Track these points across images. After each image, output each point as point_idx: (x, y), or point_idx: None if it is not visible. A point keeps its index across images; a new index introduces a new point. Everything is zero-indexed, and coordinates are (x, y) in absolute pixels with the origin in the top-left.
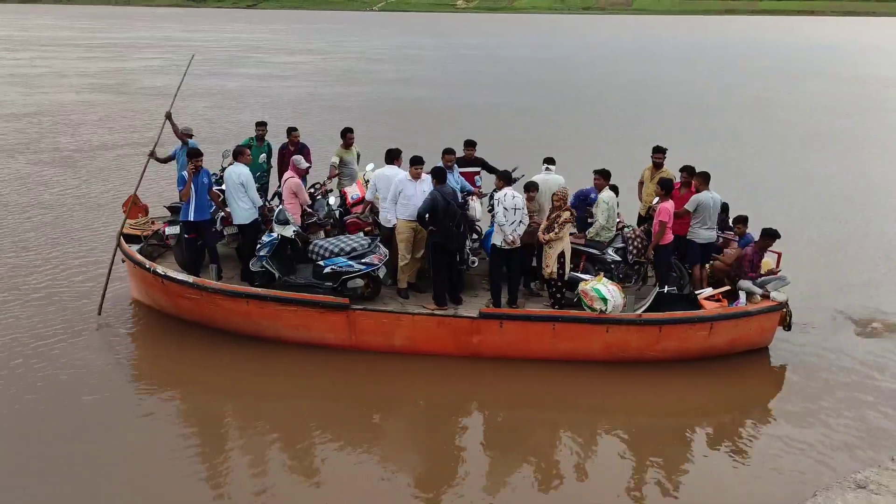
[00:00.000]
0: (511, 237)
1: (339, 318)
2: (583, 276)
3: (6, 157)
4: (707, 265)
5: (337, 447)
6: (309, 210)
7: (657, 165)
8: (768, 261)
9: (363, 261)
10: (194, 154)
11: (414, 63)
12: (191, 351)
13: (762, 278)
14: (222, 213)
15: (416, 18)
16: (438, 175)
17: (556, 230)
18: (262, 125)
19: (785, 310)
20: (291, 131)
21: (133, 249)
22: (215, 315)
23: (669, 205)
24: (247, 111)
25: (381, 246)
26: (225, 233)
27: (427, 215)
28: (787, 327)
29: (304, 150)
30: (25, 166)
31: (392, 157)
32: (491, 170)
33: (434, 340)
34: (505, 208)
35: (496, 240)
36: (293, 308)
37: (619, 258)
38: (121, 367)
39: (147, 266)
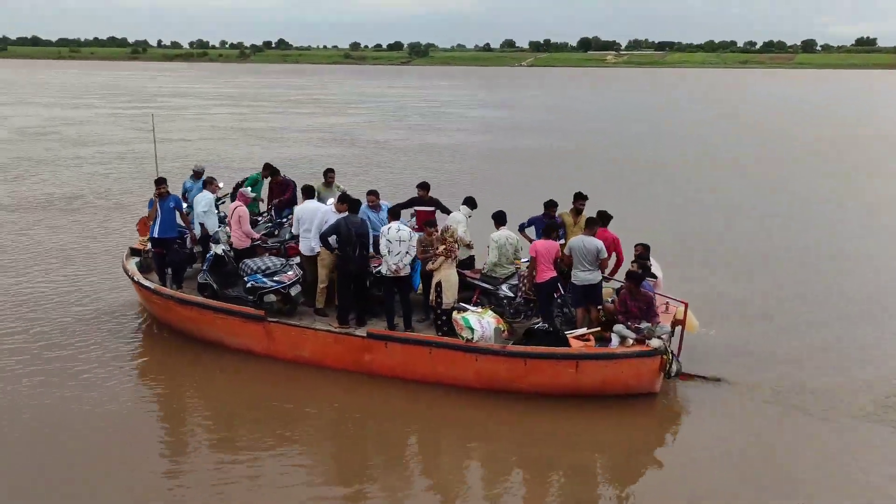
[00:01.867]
0: (394, 266)
1: (257, 328)
2: (468, 306)
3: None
4: (600, 307)
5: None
6: (258, 236)
7: (578, 211)
8: (680, 309)
9: (275, 278)
10: (159, 182)
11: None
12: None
13: (646, 324)
14: (188, 233)
15: (570, 73)
16: (351, 205)
17: (431, 262)
18: (266, 167)
19: (665, 357)
20: (274, 171)
21: (131, 262)
22: (172, 319)
23: (539, 244)
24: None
25: (296, 267)
26: (192, 250)
27: (330, 239)
28: (668, 375)
29: (288, 186)
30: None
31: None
32: (444, 209)
33: (333, 355)
34: (388, 240)
35: (383, 268)
36: (223, 316)
37: (511, 294)
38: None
39: (129, 274)
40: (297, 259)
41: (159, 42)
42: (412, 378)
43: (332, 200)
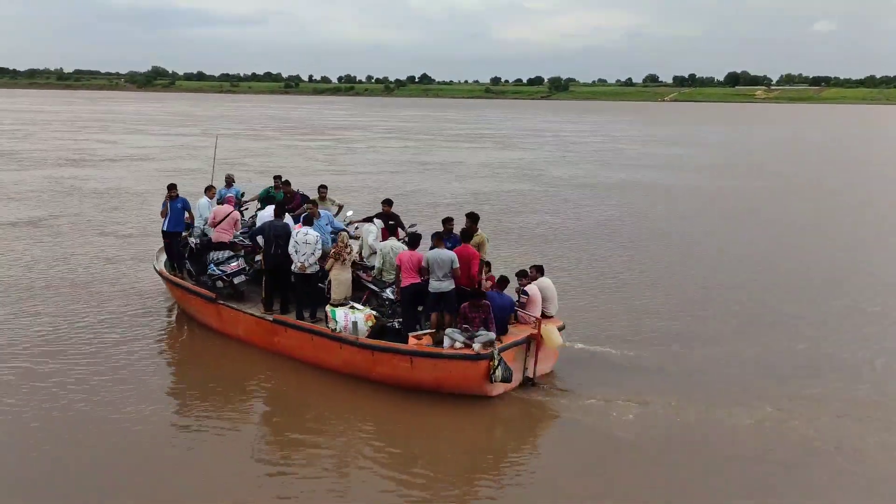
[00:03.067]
0: (299, 264)
1: (211, 308)
2: (357, 304)
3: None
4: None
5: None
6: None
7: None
8: (546, 327)
9: (220, 268)
10: (171, 187)
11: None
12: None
13: (483, 332)
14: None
15: (719, 109)
16: (278, 211)
17: (326, 263)
18: (284, 183)
19: (492, 362)
20: (283, 182)
21: (161, 256)
22: (174, 297)
23: (404, 254)
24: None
25: (241, 260)
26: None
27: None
28: (492, 380)
29: (295, 196)
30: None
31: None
32: (401, 224)
33: (256, 335)
34: (296, 241)
35: (293, 266)
36: (192, 297)
37: (392, 297)
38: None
39: (154, 266)
40: (258, 255)
41: (310, 77)
42: (303, 360)
43: (322, 220)
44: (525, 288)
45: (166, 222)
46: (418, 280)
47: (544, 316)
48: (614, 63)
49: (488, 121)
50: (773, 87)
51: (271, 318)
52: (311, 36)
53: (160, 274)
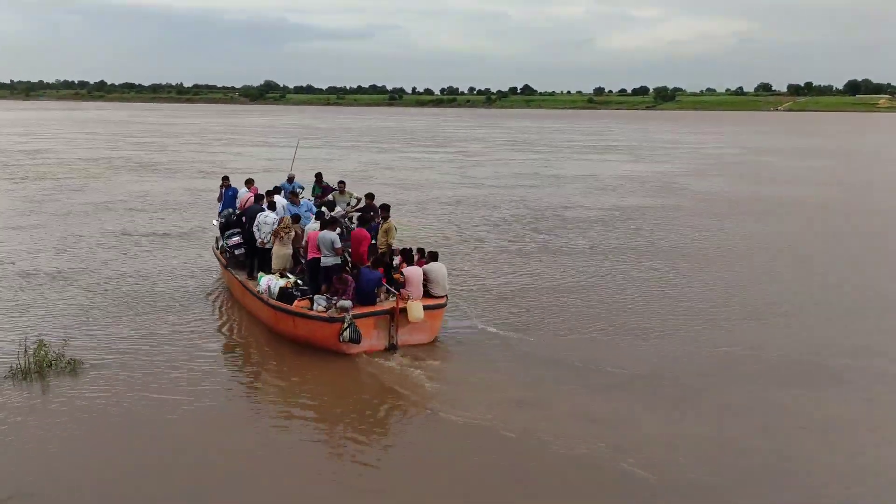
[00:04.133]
0: (259, 240)
1: (226, 275)
2: (289, 274)
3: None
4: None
5: None
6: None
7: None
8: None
9: (227, 242)
10: (225, 178)
11: None
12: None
13: (343, 300)
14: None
15: (839, 118)
16: (257, 200)
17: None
18: (318, 175)
19: (342, 325)
20: (319, 177)
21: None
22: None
23: (312, 234)
24: None
25: (239, 237)
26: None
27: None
28: (340, 339)
29: (328, 189)
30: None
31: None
32: (379, 215)
33: (241, 298)
34: (258, 223)
35: (256, 241)
36: (221, 265)
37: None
38: None
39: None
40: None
41: (413, 89)
42: (253, 315)
43: (338, 209)
44: (402, 270)
45: (220, 207)
46: (318, 255)
47: (428, 295)
48: (724, 71)
49: (607, 131)
50: None
51: (240, 281)
52: (416, 49)
53: (214, 252)
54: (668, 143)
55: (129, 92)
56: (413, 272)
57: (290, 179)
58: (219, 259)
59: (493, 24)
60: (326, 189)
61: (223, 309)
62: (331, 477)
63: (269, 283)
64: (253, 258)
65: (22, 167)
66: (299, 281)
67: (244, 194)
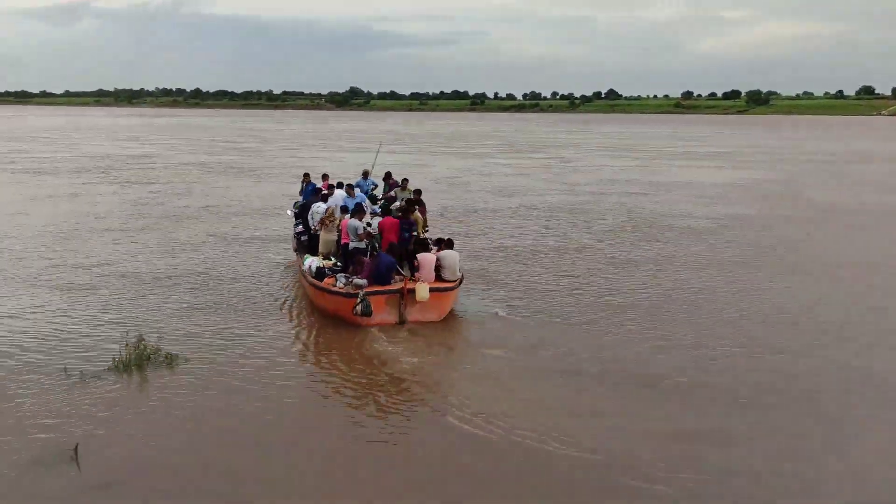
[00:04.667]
0: (312, 227)
1: (297, 260)
2: (332, 257)
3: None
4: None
5: None
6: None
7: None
8: (419, 284)
9: (295, 229)
10: (306, 175)
11: None
12: None
13: (359, 279)
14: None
15: None
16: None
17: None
18: (388, 174)
19: (357, 300)
20: (324, 177)
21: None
22: None
23: (344, 221)
24: None
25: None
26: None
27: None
28: (354, 313)
29: (394, 185)
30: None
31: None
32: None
33: (302, 282)
34: (311, 212)
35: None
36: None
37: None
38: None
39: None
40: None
41: (496, 94)
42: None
43: (397, 203)
44: (417, 256)
45: (299, 199)
46: (349, 240)
47: (440, 279)
48: (821, 74)
49: (704, 136)
50: None
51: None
52: (499, 54)
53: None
54: (771, 149)
55: (223, 99)
56: (426, 258)
57: (365, 175)
58: (293, 246)
59: (578, 29)
60: (393, 185)
61: (302, 308)
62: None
63: (312, 263)
64: (310, 243)
65: (129, 171)
66: (339, 263)
67: (310, 189)
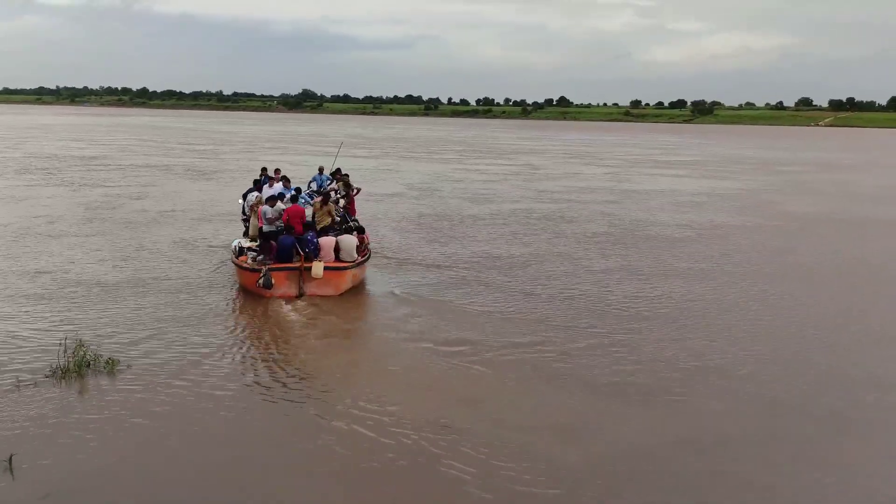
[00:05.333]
0: (244, 214)
1: None
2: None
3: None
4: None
5: None
6: None
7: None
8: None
9: None
10: (263, 169)
11: None
12: None
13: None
14: None
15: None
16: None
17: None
18: (338, 171)
19: (260, 274)
20: (276, 171)
21: None
22: None
23: (260, 208)
24: None
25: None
26: None
27: None
28: (257, 284)
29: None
30: None
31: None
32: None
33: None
34: (246, 200)
35: None
36: None
37: None
38: None
39: None
40: None
41: (449, 99)
42: None
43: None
44: (318, 239)
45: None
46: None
47: (339, 260)
48: (764, 86)
49: (665, 146)
50: None
51: None
52: (454, 60)
53: None
54: (733, 159)
55: (171, 99)
56: (326, 241)
57: (321, 171)
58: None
59: (531, 36)
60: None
61: (245, 311)
62: None
63: (238, 243)
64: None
65: (78, 173)
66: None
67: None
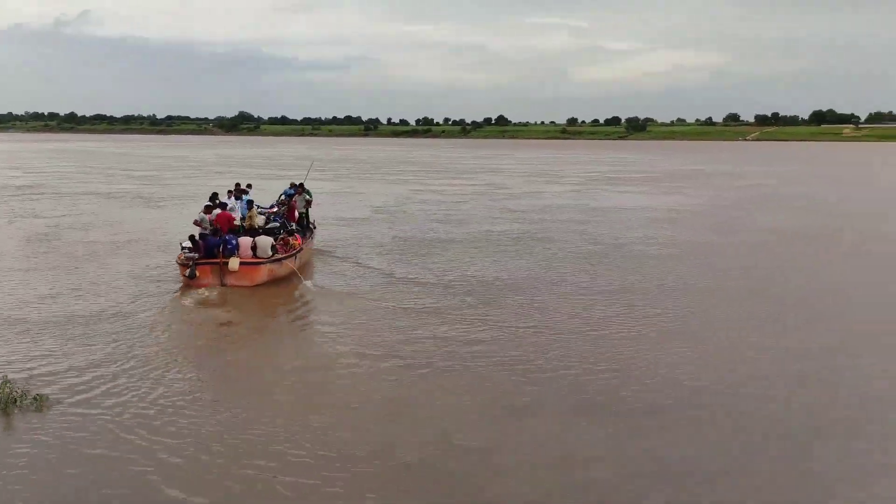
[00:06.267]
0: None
1: None
2: None
3: None
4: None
5: None
6: None
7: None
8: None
9: None
10: (237, 185)
11: None
12: None
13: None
14: None
15: (808, 147)
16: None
17: None
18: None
19: (187, 268)
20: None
21: None
22: None
23: (197, 217)
24: None
25: None
26: None
27: None
28: (186, 276)
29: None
30: None
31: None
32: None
33: None
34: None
35: None
36: None
37: None
38: None
39: None
40: None
41: (388, 120)
42: None
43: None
44: (237, 239)
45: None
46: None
47: (257, 258)
48: (695, 103)
49: (624, 161)
50: (861, 126)
51: None
52: (393, 81)
53: None
54: (685, 174)
55: (101, 123)
56: (243, 241)
57: (291, 185)
58: None
59: (470, 57)
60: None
61: (178, 344)
62: None
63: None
64: None
65: (16, 203)
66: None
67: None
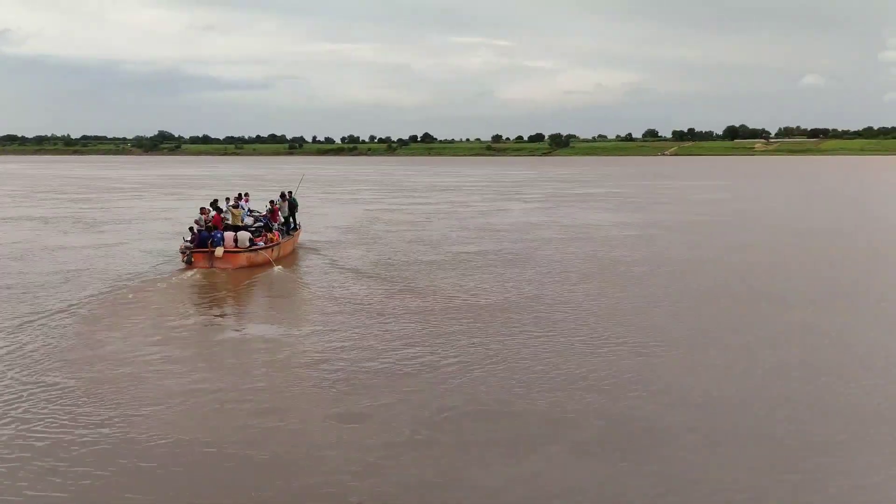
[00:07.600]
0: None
1: None
2: None
3: None
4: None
5: None
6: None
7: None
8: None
9: None
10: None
11: None
12: None
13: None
14: None
15: (724, 162)
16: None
17: None
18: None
19: (186, 254)
20: (282, 194)
21: None
22: None
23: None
24: None
25: None
26: None
27: None
28: (184, 262)
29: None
30: None
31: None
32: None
33: None
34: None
35: None
36: None
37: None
38: None
39: None
40: None
41: (314, 138)
42: None
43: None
44: (223, 233)
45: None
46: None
47: (237, 248)
48: (615, 119)
49: (578, 177)
50: (771, 140)
51: None
52: (317, 99)
53: None
54: (642, 191)
55: (12, 144)
56: (227, 235)
57: (281, 195)
58: None
59: (394, 75)
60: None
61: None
62: None
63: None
64: None
65: None
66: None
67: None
